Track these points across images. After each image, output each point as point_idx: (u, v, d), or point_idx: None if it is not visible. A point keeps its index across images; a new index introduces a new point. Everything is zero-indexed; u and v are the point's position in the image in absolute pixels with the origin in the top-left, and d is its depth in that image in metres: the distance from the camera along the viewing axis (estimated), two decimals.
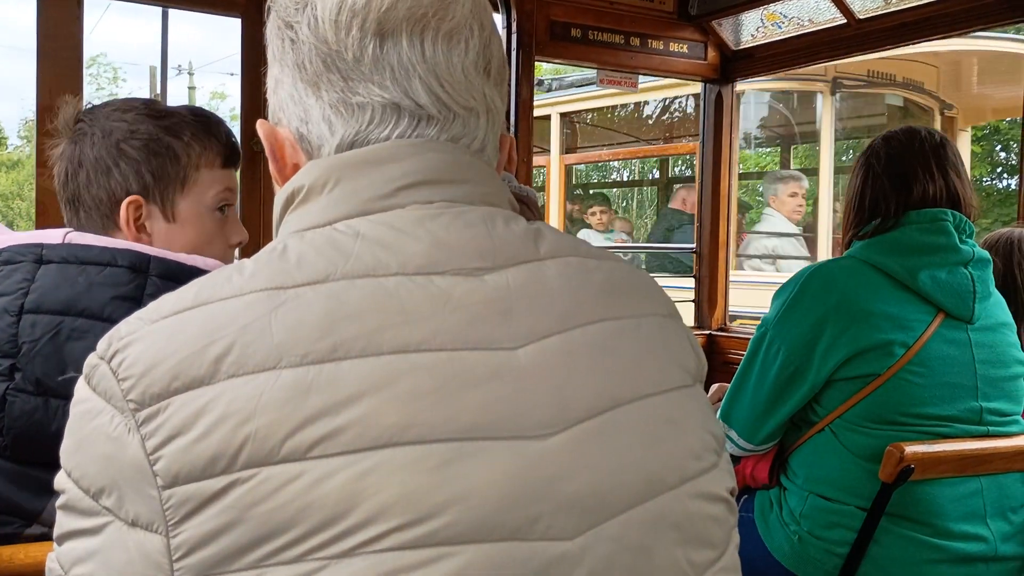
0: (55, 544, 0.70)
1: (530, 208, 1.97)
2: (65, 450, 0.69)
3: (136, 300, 1.18)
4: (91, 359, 0.68)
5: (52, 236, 1.25)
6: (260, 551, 0.61)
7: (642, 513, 0.70)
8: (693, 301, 4.10)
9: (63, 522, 0.69)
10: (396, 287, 0.68)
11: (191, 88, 26.76)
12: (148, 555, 0.63)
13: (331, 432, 0.63)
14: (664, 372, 0.77)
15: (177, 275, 1.22)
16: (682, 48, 3.78)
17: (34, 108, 2.69)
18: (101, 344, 0.68)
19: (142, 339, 0.66)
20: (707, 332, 3.99)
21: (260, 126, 0.82)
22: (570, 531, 0.66)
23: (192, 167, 1.35)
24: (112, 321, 1.15)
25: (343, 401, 0.63)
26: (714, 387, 2.49)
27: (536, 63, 3.48)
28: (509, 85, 3.14)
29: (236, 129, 1.42)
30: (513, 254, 0.74)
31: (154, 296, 1.19)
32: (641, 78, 3.96)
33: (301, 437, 0.62)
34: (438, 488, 0.63)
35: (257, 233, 2.80)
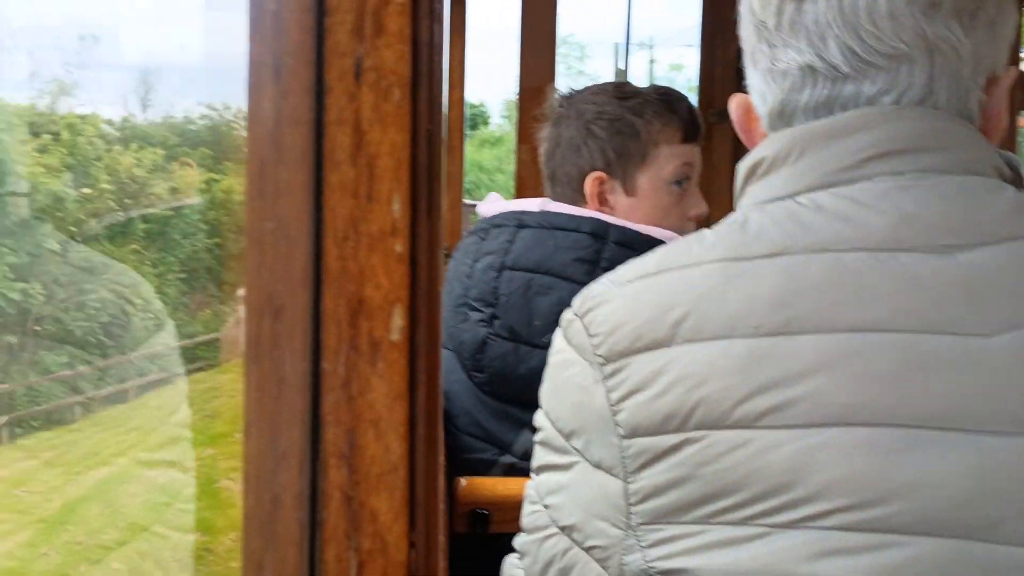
0: (532, 474, 0.80)
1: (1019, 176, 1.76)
2: (544, 392, 0.79)
3: (594, 263, 1.30)
4: (567, 314, 0.76)
5: (532, 205, 1.42)
6: (707, 508, 0.65)
7: None
8: None
9: (540, 455, 0.79)
10: (856, 263, 0.67)
11: (651, 62, 27.77)
12: (609, 496, 0.69)
13: (780, 404, 0.64)
14: None
15: (633, 243, 1.31)
16: None
17: (515, 89, 2.96)
18: (576, 301, 0.76)
19: (611, 300, 0.73)
20: None
21: (732, 99, 0.84)
22: None
23: (652, 144, 1.43)
24: (572, 280, 1.29)
25: (794, 375, 0.64)
26: None
27: None
28: None
29: (692, 100, 1.47)
30: (993, 230, 0.68)
31: (610, 260, 1.30)
32: None
33: (751, 406, 0.64)
34: (889, 474, 0.61)
35: (709, 204, 2.85)
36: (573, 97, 1.48)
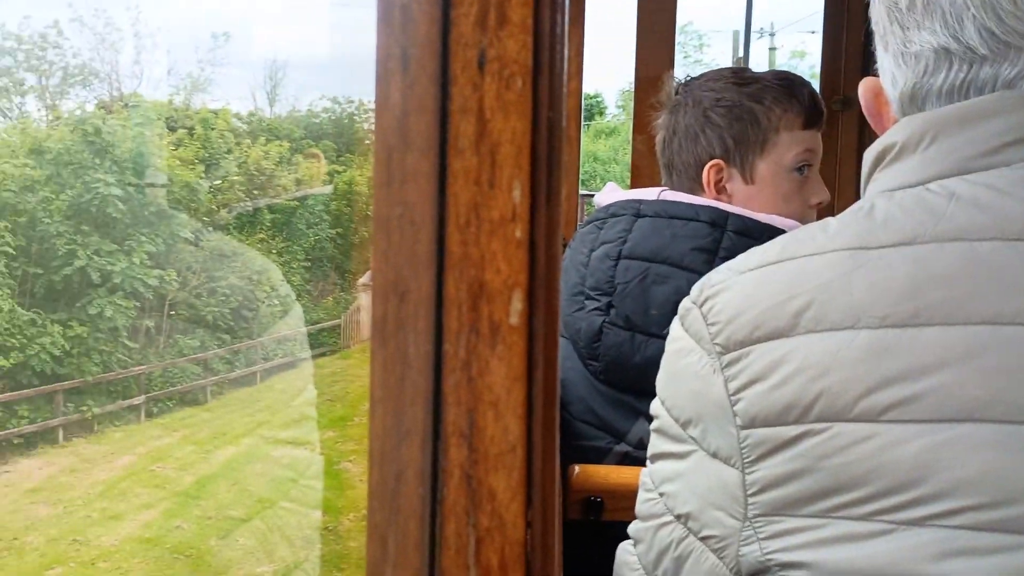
0: (648, 462, 0.81)
1: None
2: (660, 380, 0.79)
3: (712, 252, 1.28)
4: (685, 302, 0.76)
5: (649, 194, 1.42)
6: (828, 502, 0.63)
7: None
8: None
9: (655, 443, 0.79)
10: (991, 253, 0.64)
11: (772, 49, 27.05)
12: (726, 486, 0.69)
13: (907, 398, 0.62)
14: None
15: (752, 232, 1.28)
16: None
17: (631, 79, 2.95)
18: (694, 290, 0.75)
19: (730, 288, 0.72)
20: None
21: (861, 83, 0.82)
22: None
23: (772, 130, 1.40)
24: (690, 269, 1.28)
25: (922, 368, 0.62)
26: None
27: None
28: None
29: (815, 88, 1.43)
30: None
31: (729, 250, 1.28)
32: None
33: (875, 399, 0.63)
34: (1020, 472, 0.59)
35: (832, 192, 2.77)
36: (690, 84, 1.46)
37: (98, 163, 15.39)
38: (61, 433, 13.87)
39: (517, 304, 0.51)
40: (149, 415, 15.34)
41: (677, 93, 1.47)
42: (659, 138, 1.50)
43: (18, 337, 13.79)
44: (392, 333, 0.51)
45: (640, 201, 1.40)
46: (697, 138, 1.42)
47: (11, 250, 14.13)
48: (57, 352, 14.19)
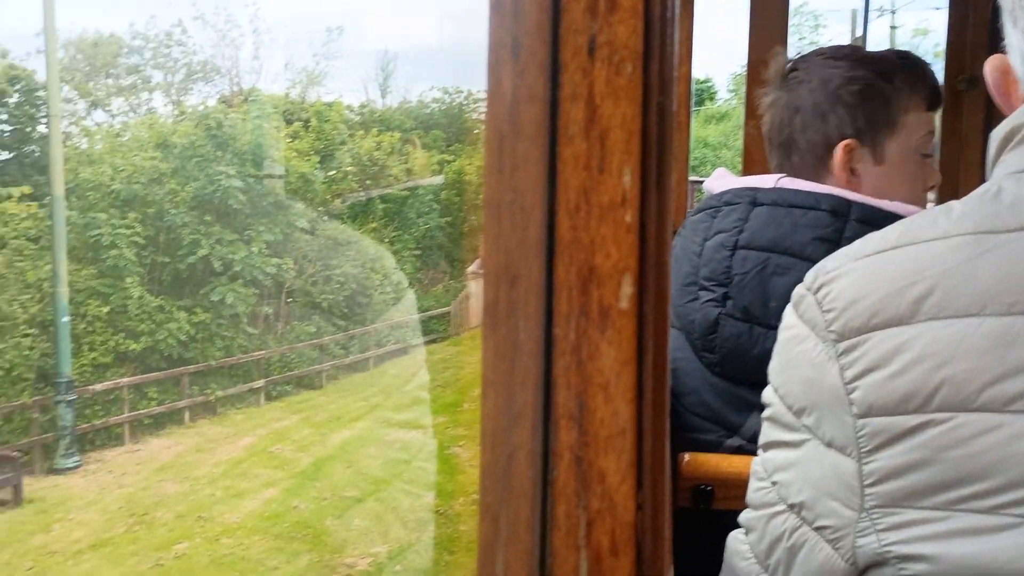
0: (760, 451, 0.79)
1: None
2: (773, 368, 0.77)
3: (835, 242, 1.24)
4: (799, 289, 0.74)
5: (766, 181, 1.37)
6: (950, 494, 0.61)
7: None
8: None
9: (768, 432, 0.78)
10: None
11: (893, 28, 25.95)
12: (841, 476, 0.68)
13: None
14: None
15: (876, 220, 1.24)
16: None
17: (743, 62, 2.88)
18: (808, 276, 0.74)
19: (846, 275, 0.70)
20: None
21: (989, 61, 0.78)
22: None
23: (901, 110, 1.35)
24: (812, 260, 1.23)
25: None
26: None
27: None
28: None
29: (939, 67, 1.38)
30: None
31: (852, 239, 1.24)
32: None
33: (1001, 388, 0.60)
34: None
35: (955, 176, 2.65)
36: (809, 61, 1.41)
37: (220, 156, 16.05)
38: (187, 414, 14.59)
39: (627, 288, 0.51)
40: (268, 398, 15.95)
41: (794, 70, 1.42)
42: (772, 117, 1.45)
43: (147, 323, 14.55)
44: (503, 317, 0.52)
45: (756, 189, 1.36)
46: (826, 117, 1.38)
47: (140, 240, 14.90)
48: (183, 337, 14.91)
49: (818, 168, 1.39)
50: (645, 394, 0.52)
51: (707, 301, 1.32)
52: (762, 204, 1.33)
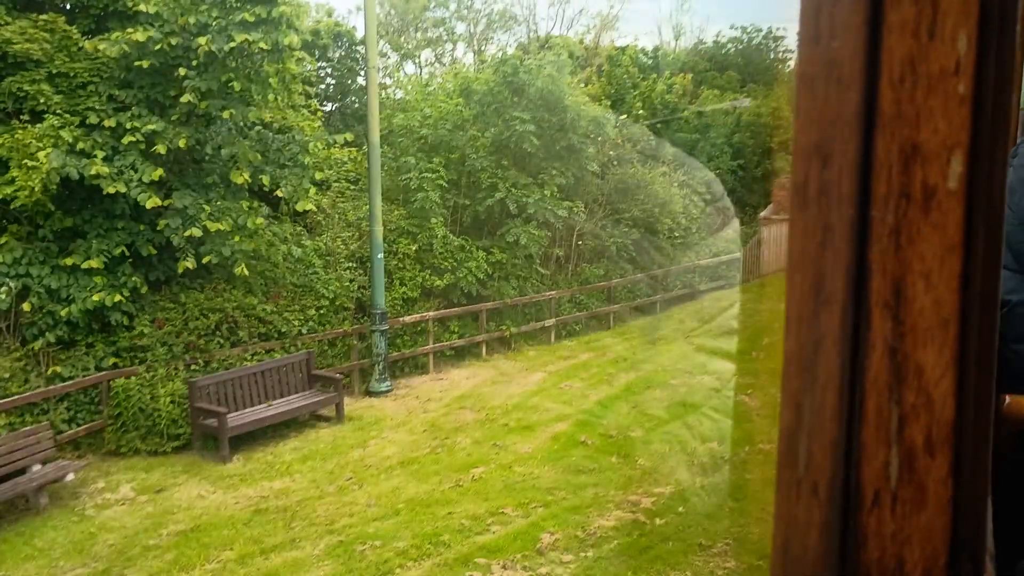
0: None
1: None
2: None
3: None
4: None
5: None
6: None
7: None
8: None
9: None
10: None
11: None
12: None
13: None
14: None
15: None
16: None
17: None
18: None
19: None
20: None
21: None
22: None
23: None
24: None
25: None
26: None
27: None
28: None
29: None
30: None
31: None
32: None
33: None
34: None
35: None
36: None
37: (516, 102, 16.60)
38: (484, 348, 15.48)
39: (956, 167, 0.47)
40: (558, 337, 16.49)
41: None
42: None
43: (450, 260, 15.54)
44: (813, 198, 0.50)
45: None
46: None
47: (444, 183, 15.86)
48: (481, 276, 15.76)
49: None
50: (972, 284, 0.47)
51: None
52: None
